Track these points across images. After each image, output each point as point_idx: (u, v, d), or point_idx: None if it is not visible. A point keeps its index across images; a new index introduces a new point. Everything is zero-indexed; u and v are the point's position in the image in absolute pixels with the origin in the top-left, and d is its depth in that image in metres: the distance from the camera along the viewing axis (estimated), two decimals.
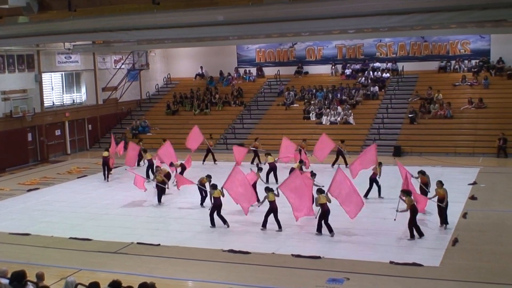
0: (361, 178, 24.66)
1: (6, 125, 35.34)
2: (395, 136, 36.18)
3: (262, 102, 43.27)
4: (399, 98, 40.17)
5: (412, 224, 19.05)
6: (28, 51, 36.66)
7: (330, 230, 19.74)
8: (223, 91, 45.10)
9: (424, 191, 22.33)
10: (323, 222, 19.79)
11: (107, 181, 30.09)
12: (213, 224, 21.01)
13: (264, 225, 20.57)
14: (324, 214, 19.72)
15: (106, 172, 30.33)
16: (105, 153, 30.69)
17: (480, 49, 41.21)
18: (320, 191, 20.08)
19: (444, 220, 20.14)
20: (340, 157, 30.88)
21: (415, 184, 22.36)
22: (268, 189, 20.65)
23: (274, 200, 20.48)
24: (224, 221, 21.02)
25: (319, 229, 19.89)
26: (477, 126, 35.67)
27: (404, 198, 19.54)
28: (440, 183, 20.30)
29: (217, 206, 21.01)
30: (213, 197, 21.22)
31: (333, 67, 44.59)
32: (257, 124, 40.82)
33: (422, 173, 22.81)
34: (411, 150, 33.02)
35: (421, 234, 19.07)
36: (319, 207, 19.68)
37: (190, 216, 22.09)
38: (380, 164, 24.76)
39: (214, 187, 21.36)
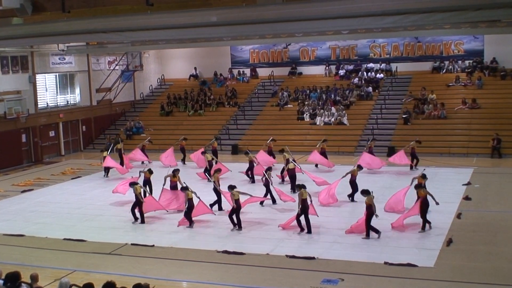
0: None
1: (0, 127, 35.25)
2: (389, 137, 36.23)
3: (256, 103, 43.29)
4: (393, 98, 40.26)
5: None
6: (22, 53, 36.58)
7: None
8: (217, 92, 45.12)
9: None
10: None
11: (107, 176, 31.08)
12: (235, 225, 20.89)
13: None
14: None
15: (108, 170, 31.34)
16: (105, 153, 31.23)
17: (473, 49, 41.33)
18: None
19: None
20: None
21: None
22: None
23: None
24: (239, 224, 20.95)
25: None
26: (471, 126, 35.76)
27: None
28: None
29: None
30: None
31: (327, 67, 44.65)
32: (251, 125, 40.83)
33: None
34: (405, 151, 32.99)
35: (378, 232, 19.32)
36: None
37: None
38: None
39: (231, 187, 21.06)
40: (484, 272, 16.05)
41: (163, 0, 17.09)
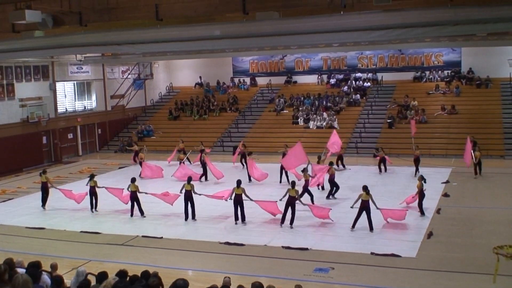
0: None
1: (23, 129, 35.23)
2: (375, 139, 36.20)
3: (255, 109, 43.26)
4: (378, 105, 40.24)
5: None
6: (43, 62, 36.59)
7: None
8: (220, 99, 45.10)
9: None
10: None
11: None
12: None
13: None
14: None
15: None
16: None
17: (452, 60, 41.33)
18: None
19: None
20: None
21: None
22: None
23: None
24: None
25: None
26: (449, 130, 35.74)
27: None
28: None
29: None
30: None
31: (319, 77, 44.61)
32: (250, 129, 40.80)
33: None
34: (390, 152, 32.93)
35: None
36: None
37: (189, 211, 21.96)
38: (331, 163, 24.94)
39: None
40: (461, 262, 16.05)
41: (171, 15, 17.07)
